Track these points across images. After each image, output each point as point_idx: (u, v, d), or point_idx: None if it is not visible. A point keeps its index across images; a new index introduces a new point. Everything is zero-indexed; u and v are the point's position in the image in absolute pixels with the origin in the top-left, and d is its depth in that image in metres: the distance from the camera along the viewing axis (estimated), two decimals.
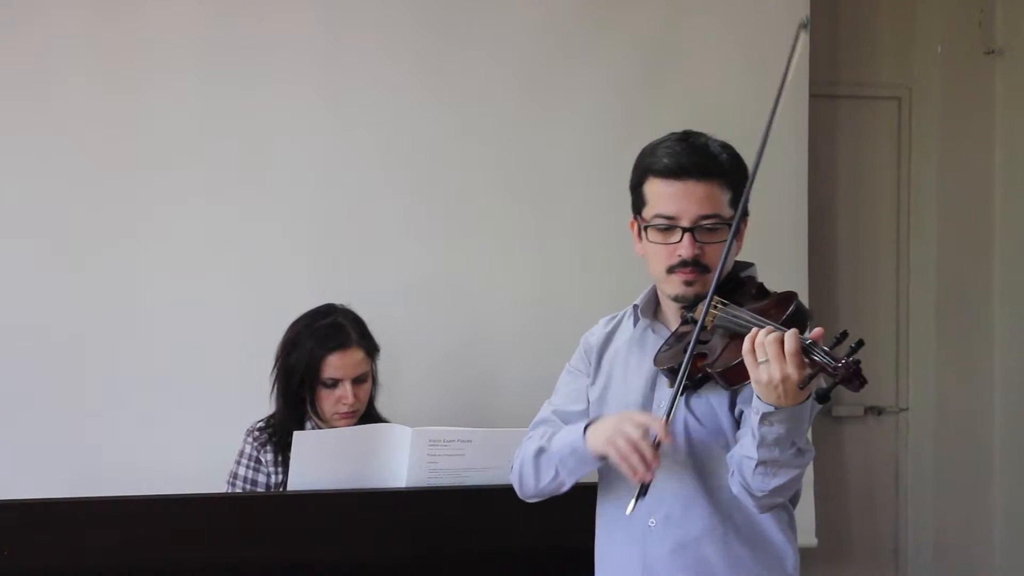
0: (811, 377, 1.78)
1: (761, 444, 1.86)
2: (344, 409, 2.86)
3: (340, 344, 2.88)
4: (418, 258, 3.44)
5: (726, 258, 2.04)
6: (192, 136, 3.31)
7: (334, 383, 2.87)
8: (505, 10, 3.51)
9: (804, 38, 2.04)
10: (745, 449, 1.91)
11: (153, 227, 3.30)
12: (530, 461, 2.16)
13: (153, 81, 3.29)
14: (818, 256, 3.90)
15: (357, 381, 2.89)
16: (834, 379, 1.75)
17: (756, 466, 1.89)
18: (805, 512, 3.62)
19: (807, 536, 3.60)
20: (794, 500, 2.13)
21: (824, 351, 1.77)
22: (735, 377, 1.92)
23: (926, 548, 4.18)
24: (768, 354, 1.79)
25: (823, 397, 1.77)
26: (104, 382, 3.25)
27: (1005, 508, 4.20)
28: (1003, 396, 4.21)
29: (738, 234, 2.08)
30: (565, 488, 2.15)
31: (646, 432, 1.92)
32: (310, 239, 3.39)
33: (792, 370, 1.77)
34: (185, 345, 3.29)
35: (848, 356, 1.74)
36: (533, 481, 2.16)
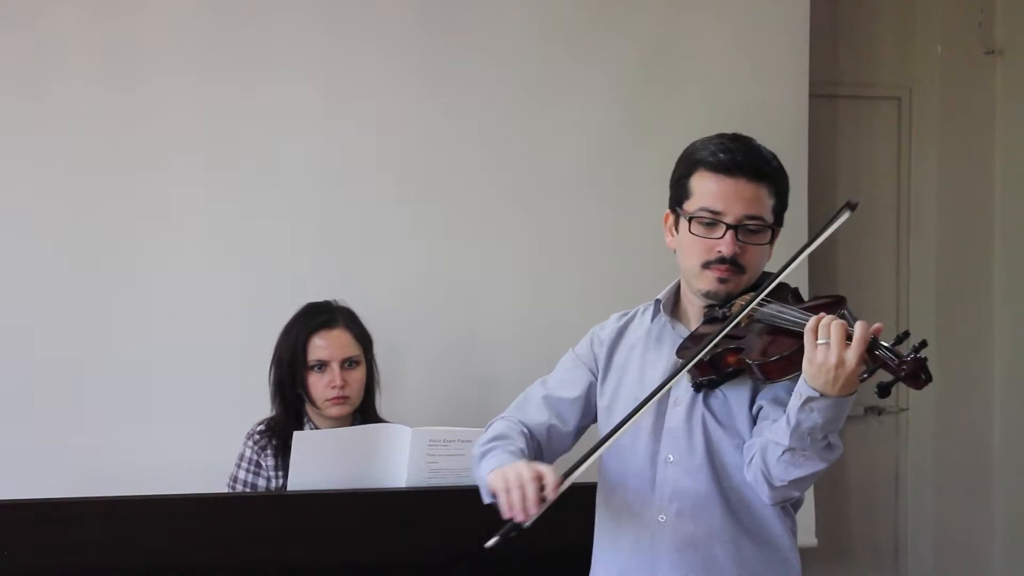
0: (873, 371, 1.79)
1: (795, 430, 1.85)
2: (334, 394, 2.86)
3: (324, 323, 2.90)
4: (418, 258, 3.45)
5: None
6: (192, 136, 3.32)
7: (322, 366, 2.87)
8: (505, 10, 3.51)
9: (846, 216, 2.04)
10: (775, 435, 1.90)
11: (153, 227, 3.30)
12: (476, 455, 2.10)
13: (153, 81, 3.29)
14: (818, 256, 3.90)
15: (347, 365, 2.89)
16: (898, 375, 1.75)
17: (783, 452, 1.88)
18: (805, 512, 3.60)
19: (807, 536, 3.60)
20: (796, 505, 2.12)
21: (887, 347, 1.78)
22: (777, 372, 1.91)
23: (926, 548, 4.18)
24: (831, 337, 1.79)
25: (884, 392, 1.76)
26: (104, 382, 3.25)
27: (1005, 508, 4.20)
28: (1003, 396, 4.21)
29: (772, 241, 2.10)
30: None
31: (539, 479, 1.88)
32: (310, 239, 3.39)
33: (852, 357, 1.77)
34: (185, 345, 3.29)
35: (912, 353, 1.75)
36: (473, 471, 2.13)
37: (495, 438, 2.10)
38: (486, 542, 1.86)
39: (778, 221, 2.10)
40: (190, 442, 3.20)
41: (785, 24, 3.72)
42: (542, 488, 1.87)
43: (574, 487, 2.18)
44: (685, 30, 3.63)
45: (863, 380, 1.80)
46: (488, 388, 3.44)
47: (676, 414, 2.07)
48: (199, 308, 3.30)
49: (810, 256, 4.03)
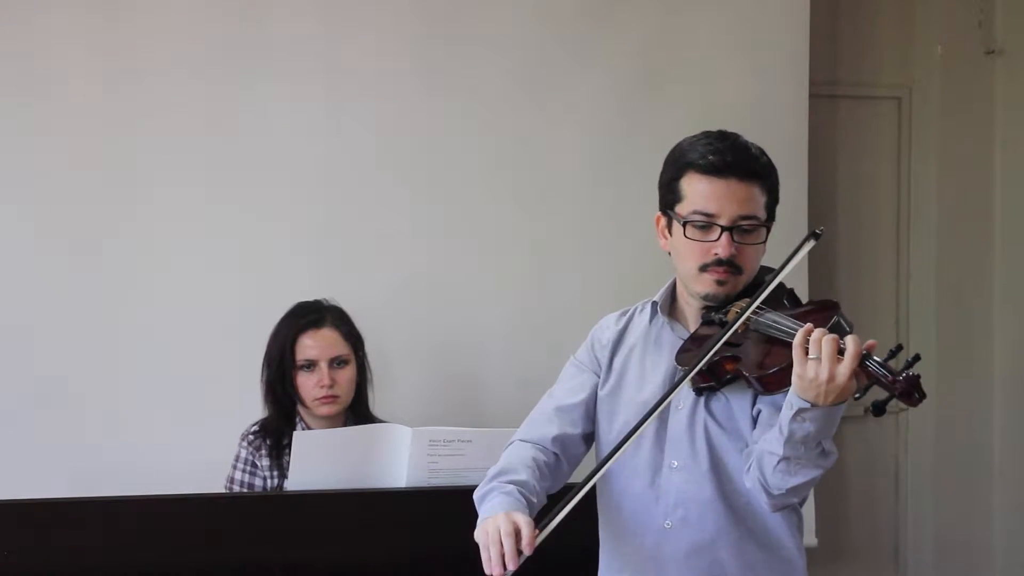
0: (867, 388, 1.77)
1: (788, 440, 1.84)
2: (322, 393, 2.87)
3: (312, 323, 2.91)
4: (417, 257, 3.44)
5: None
6: (192, 136, 3.31)
7: (310, 365, 2.88)
8: (505, 10, 3.51)
9: (811, 245, 2.02)
10: (769, 444, 1.89)
11: (153, 227, 3.30)
12: (477, 499, 2.08)
13: (153, 81, 3.29)
14: (818, 256, 3.90)
15: (336, 365, 2.89)
16: (892, 392, 1.74)
17: (778, 462, 1.87)
18: (805, 512, 3.55)
19: (807, 536, 3.56)
20: (801, 501, 2.11)
21: (879, 363, 1.76)
22: (775, 384, 1.90)
23: (926, 548, 4.18)
24: (823, 352, 1.77)
25: (879, 410, 1.75)
26: (104, 382, 3.25)
27: (1005, 508, 4.20)
28: (1003, 396, 4.21)
29: (765, 239, 2.09)
30: None
31: (518, 534, 1.88)
32: (310, 238, 3.39)
33: (843, 372, 1.76)
34: (185, 345, 3.29)
35: (906, 370, 1.73)
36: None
37: (498, 474, 2.08)
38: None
39: (771, 216, 2.09)
40: (190, 442, 3.20)
41: (785, 24, 3.72)
42: (519, 542, 1.87)
43: (574, 487, 2.19)
44: (685, 30, 3.62)
45: (857, 399, 1.79)
46: (486, 388, 3.45)
47: (678, 420, 2.07)
48: (199, 308, 3.30)
49: (810, 257, 4.04)
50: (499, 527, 1.89)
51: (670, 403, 2.04)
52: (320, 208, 3.39)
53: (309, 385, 2.88)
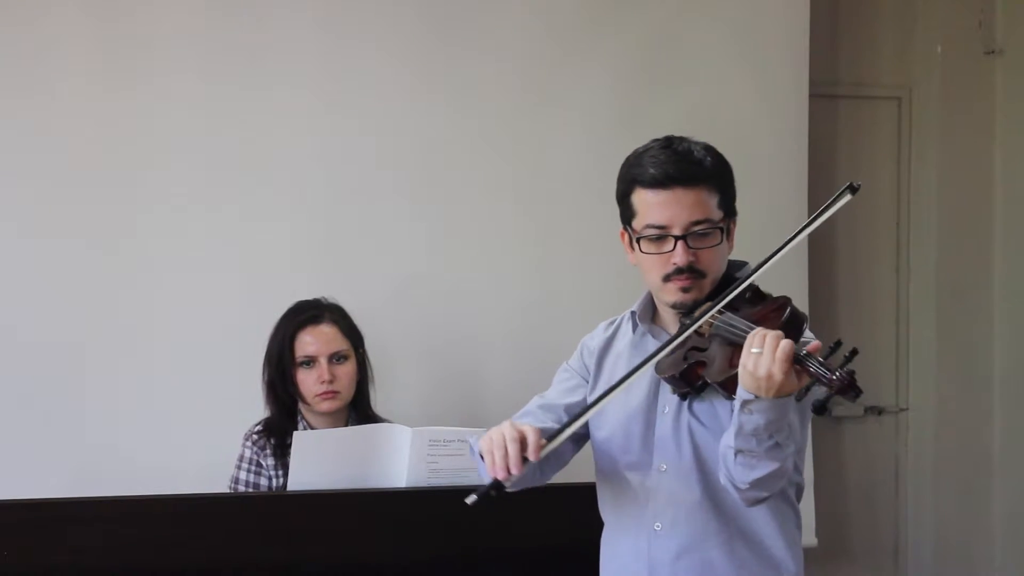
0: (807, 389, 1.81)
1: (739, 432, 1.87)
2: (322, 388, 2.87)
3: (311, 319, 2.92)
4: (417, 257, 3.45)
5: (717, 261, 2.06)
6: (192, 136, 3.31)
7: (310, 362, 2.88)
8: (505, 10, 3.51)
9: (848, 198, 2.04)
10: (727, 439, 1.92)
11: (153, 227, 3.29)
12: (472, 442, 2.14)
13: (153, 81, 3.29)
14: (818, 257, 3.90)
15: (335, 360, 2.90)
16: (830, 389, 1.76)
17: (736, 455, 1.90)
18: (805, 512, 3.57)
19: (807, 536, 3.58)
20: (798, 495, 2.13)
21: (819, 362, 1.79)
22: (735, 387, 1.91)
23: (926, 548, 4.18)
24: (764, 347, 1.81)
25: (820, 408, 1.79)
26: (104, 382, 3.25)
27: (1005, 508, 4.20)
28: (1003, 396, 4.21)
29: (728, 235, 2.10)
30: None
31: (523, 440, 1.92)
32: (310, 239, 3.39)
33: (777, 369, 1.78)
34: (185, 345, 3.29)
35: (842, 367, 1.76)
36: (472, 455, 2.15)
37: (520, 415, 2.15)
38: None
39: (729, 213, 2.09)
40: (190, 442, 3.20)
41: (785, 24, 3.72)
42: (525, 449, 1.91)
43: (575, 487, 2.19)
44: (685, 30, 3.63)
45: (799, 400, 1.82)
46: (487, 387, 3.45)
47: (664, 423, 2.09)
48: (199, 307, 3.30)
49: (810, 256, 4.03)
50: (504, 433, 1.93)
51: (657, 407, 2.09)
52: (320, 208, 3.39)
53: (309, 381, 2.88)
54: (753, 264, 2.12)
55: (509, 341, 3.48)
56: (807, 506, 3.62)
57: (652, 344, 2.15)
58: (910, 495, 4.19)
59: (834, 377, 1.76)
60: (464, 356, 3.48)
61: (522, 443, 1.91)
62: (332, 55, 3.40)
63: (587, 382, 2.22)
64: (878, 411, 4.16)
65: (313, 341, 2.90)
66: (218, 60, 3.33)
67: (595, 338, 2.26)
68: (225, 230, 3.33)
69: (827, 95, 4.02)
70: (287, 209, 3.37)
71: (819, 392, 1.80)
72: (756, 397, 1.83)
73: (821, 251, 3.96)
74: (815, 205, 3.77)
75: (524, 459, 1.91)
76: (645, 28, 3.59)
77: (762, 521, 2.06)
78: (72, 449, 3.19)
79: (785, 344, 1.79)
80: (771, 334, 1.81)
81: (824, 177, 3.95)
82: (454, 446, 2.69)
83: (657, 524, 2.08)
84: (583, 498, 2.24)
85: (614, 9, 3.57)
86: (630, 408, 2.12)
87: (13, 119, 3.24)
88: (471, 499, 1.90)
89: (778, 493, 2.03)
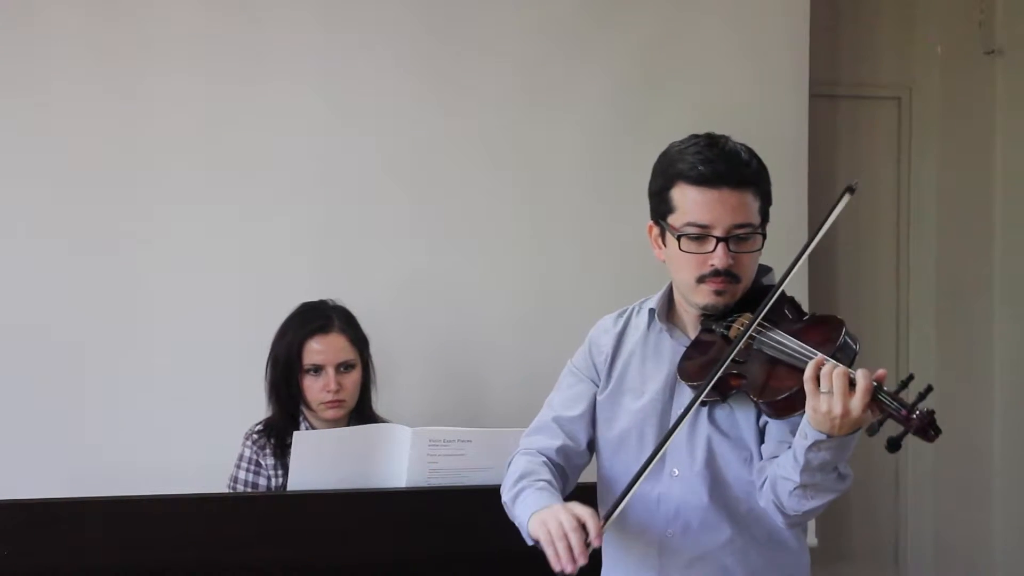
0: (880, 423, 1.76)
1: (805, 469, 1.84)
2: (328, 398, 2.87)
3: (321, 328, 2.90)
4: (417, 257, 3.45)
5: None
6: (192, 136, 3.32)
7: (317, 370, 2.88)
8: (505, 10, 3.51)
9: (847, 199, 2.02)
10: (785, 471, 1.88)
11: (153, 227, 3.30)
12: (508, 502, 2.11)
13: (153, 81, 3.29)
14: (818, 256, 3.90)
15: (342, 369, 2.89)
16: (906, 428, 1.73)
17: (795, 489, 1.87)
18: None
19: (807, 536, 3.59)
20: None
21: (892, 395, 1.75)
22: (786, 409, 1.88)
23: (926, 548, 4.18)
24: (834, 387, 1.76)
25: (895, 446, 1.74)
26: (104, 382, 3.25)
27: (1005, 508, 4.20)
28: (1003, 396, 4.21)
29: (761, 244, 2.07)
30: None
31: (582, 526, 1.89)
32: (310, 239, 3.39)
33: (857, 407, 1.75)
34: (185, 345, 3.29)
35: (918, 403, 1.72)
36: (509, 514, 2.12)
37: (521, 477, 2.09)
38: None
39: (764, 219, 2.06)
40: (190, 442, 3.20)
41: (785, 24, 3.72)
42: (586, 534, 1.88)
43: (576, 488, 2.19)
44: (685, 30, 3.63)
45: (872, 435, 1.78)
46: (487, 387, 3.45)
47: (680, 429, 2.04)
48: (199, 307, 3.30)
49: (810, 257, 4.04)
50: (561, 522, 1.89)
51: (672, 410, 2.05)
52: (320, 208, 3.39)
53: (315, 389, 2.88)
54: (778, 271, 2.09)
55: (510, 341, 3.48)
56: None
57: (668, 344, 2.11)
58: (910, 495, 4.19)
59: (913, 417, 1.71)
60: (465, 356, 3.47)
61: (583, 530, 1.88)
62: (332, 55, 3.40)
63: (596, 384, 2.18)
64: None
65: (322, 350, 2.89)
66: (218, 60, 3.33)
67: (604, 335, 2.20)
68: (225, 230, 3.33)
69: (827, 95, 4.02)
70: (287, 209, 3.37)
71: (894, 428, 1.75)
72: (827, 437, 1.80)
73: (821, 251, 3.95)
74: (815, 205, 3.79)
75: (587, 544, 1.87)
76: (645, 28, 3.59)
77: (775, 528, 2.04)
78: (72, 449, 3.19)
79: (863, 383, 1.75)
80: (837, 371, 1.76)
81: (824, 177, 3.96)
82: (454, 446, 2.69)
83: (669, 530, 2.05)
84: (584, 499, 2.23)
85: (614, 9, 3.57)
86: (644, 408, 2.09)
87: (13, 119, 3.24)
88: None
89: None
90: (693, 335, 2.10)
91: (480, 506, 2.41)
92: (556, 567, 1.88)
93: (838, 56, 4.10)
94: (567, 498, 2.04)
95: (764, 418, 2.00)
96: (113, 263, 3.27)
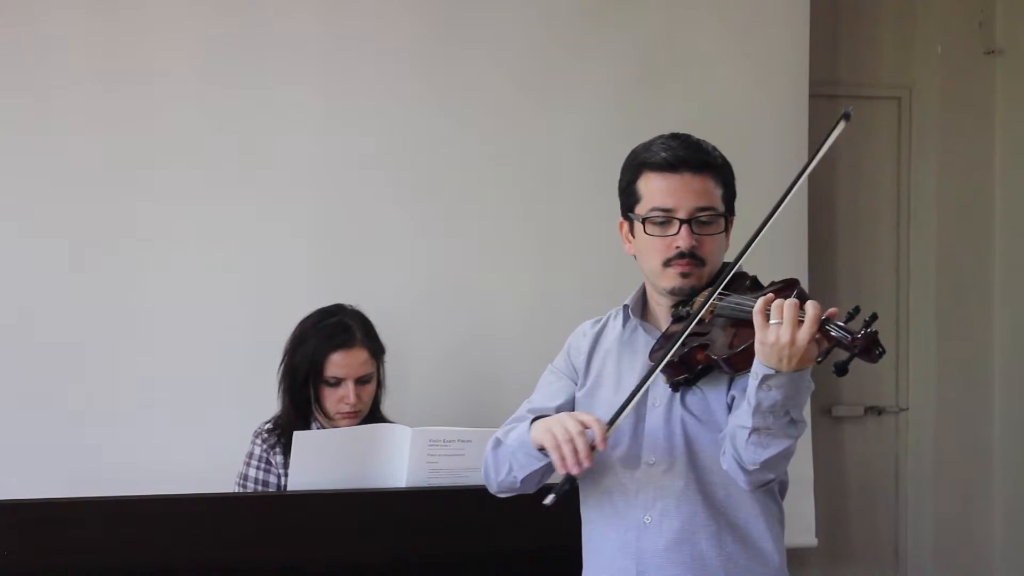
0: (828, 352, 1.80)
1: (756, 410, 1.87)
2: (346, 409, 2.87)
3: (344, 343, 2.89)
4: (418, 258, 3.45)
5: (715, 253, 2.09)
6: (192, 136, 3.31)
7: (337, 382, 2.88)
8: (505, 10, 3.51)
9: (843, 126, 2.05)
10: (739, 419, 1.92)
11: (153, 227, 3.30)
12: (490, 455, 2.18)
13: (153, 81, 3.29)
14: (818, 256, 3.90)
15: (361, 382, 2.89)
16: (852, 351, 1.75)
17: (749, 435, 1.90)
18: (805, 512, 3.61)
19: (807, 536, 3.59)
20: (782, 491, 2.15)
21: (839, 325, 1.78)
22: (742, 362, 1.92)
23: (926, 548, 4.18)
24: (784, 316, 1.80)
25: (842, 370, 1.77)
26: (104, 382, 3.25)
27: (1005, 508, 4.20)
28: (1003, 396, 4.21)
29: (727, 231, 2.13)
30: (518, 484, 2.14)
31: (584, 430, 1.94)
32: (311, 239, 3.39)
33: (804, 335, 1.78)
34: (185, 345, 3.29)
35: (864, 328, 1.75)
36: (493, 474, 2.18)
37: (511, 421, 2.17)
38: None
39: (730, 210, 2.13)
40: (190, 442, 3.20)
41: (785, 24, 3.72)
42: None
43: (575, 488, 2.19)
44: (685, 30, 3.63)
45: (819, 362, 1.81)
46: (490, 388, 3.45)
47: (655, 416, 2.10)
48: (199, 308, 3.30)
49: (810, 256, 4.03)
50: (567, 428, 1.95)
51: (647, 401, 2.09)
52: (320, 208, 3.39)
53: (333, 400, 2.88)
54: (760, 265, 2.12)
55: (513, 341, 3.47)
56: (807, 506, 3.62)
57: (643, 338, 2.16)
58: (910, 495, 4.19)
59: (857, 337, 1.75)
60: (466, 356, 3.47)
61: (584, 430, 1.94)
62: (332, 55, 3.40)
63: (575, 382, 2.23)
64: (878, 411, 4.15)
65: (344, 365, 2.88)
66: (218, 60, 3.33)
67: (582, 337, 2.27)
68: (225, 230, 3.33)
69: (827, 95, 4.01)
70: (287, 209, 3.37)
71: (840, 356, 1.78)
72: (776, 372, 1.82)
73: (821, 251, 3.96)
74: (815, 205, 3.80)
75: (592, 448, 1.93)
76: (645, 28, 3.59)
77: (751, 514, 2.07)
78: (72, 449, 3.19)
79: (812, 312, 1.78)
80: (788, 302, 1.81)
81: (824, 177, 3.96)
82: (454, 446, 2.69)
83: (647, 517, 2.08)
84: (567, 497, 2.22)
85: (614, 9, 3.58)
86: (620, 402, 2.09)
87: (13, 119, 3.24)
88: (549, 500, 1.91)
89: (766, 488, 2.05)
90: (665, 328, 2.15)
91: (480, 506, 2.41)
92: (562, 470, 1.94)
93: (838, 56, 4.10)
94: (541, 491, 2.06)
95: (731, 394, 2.04)
96: (113, 263, 3.27)
